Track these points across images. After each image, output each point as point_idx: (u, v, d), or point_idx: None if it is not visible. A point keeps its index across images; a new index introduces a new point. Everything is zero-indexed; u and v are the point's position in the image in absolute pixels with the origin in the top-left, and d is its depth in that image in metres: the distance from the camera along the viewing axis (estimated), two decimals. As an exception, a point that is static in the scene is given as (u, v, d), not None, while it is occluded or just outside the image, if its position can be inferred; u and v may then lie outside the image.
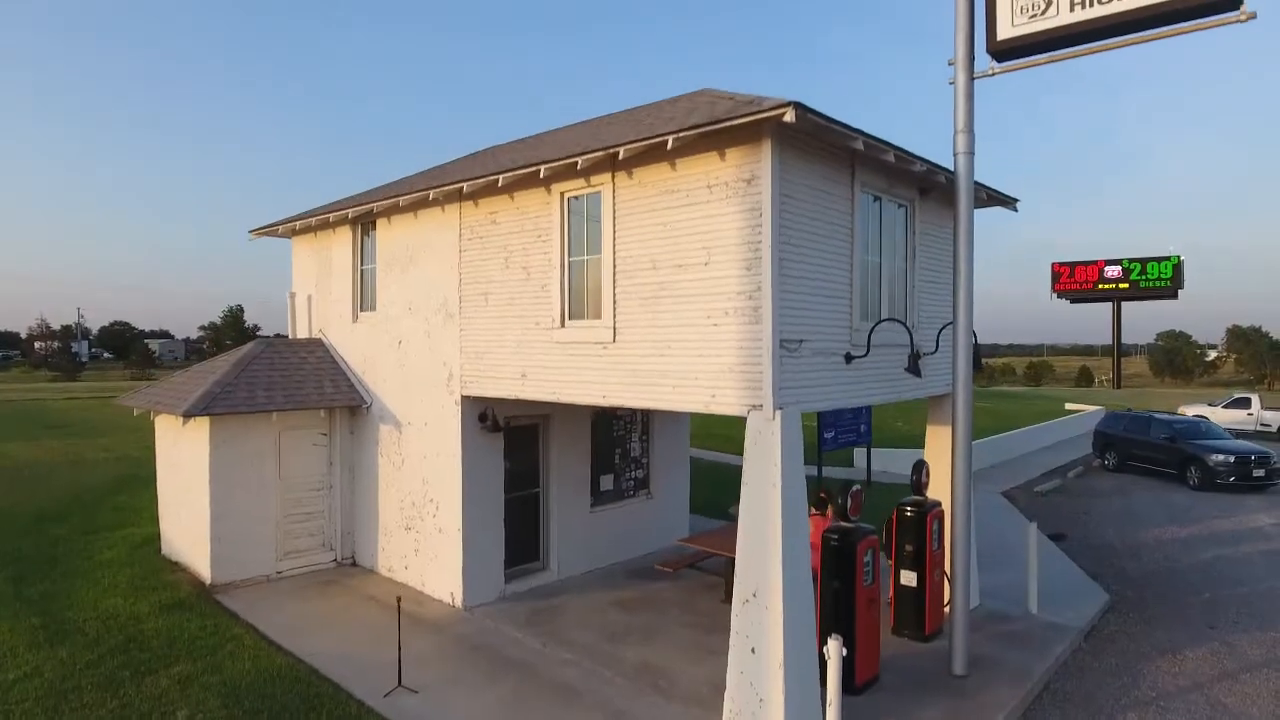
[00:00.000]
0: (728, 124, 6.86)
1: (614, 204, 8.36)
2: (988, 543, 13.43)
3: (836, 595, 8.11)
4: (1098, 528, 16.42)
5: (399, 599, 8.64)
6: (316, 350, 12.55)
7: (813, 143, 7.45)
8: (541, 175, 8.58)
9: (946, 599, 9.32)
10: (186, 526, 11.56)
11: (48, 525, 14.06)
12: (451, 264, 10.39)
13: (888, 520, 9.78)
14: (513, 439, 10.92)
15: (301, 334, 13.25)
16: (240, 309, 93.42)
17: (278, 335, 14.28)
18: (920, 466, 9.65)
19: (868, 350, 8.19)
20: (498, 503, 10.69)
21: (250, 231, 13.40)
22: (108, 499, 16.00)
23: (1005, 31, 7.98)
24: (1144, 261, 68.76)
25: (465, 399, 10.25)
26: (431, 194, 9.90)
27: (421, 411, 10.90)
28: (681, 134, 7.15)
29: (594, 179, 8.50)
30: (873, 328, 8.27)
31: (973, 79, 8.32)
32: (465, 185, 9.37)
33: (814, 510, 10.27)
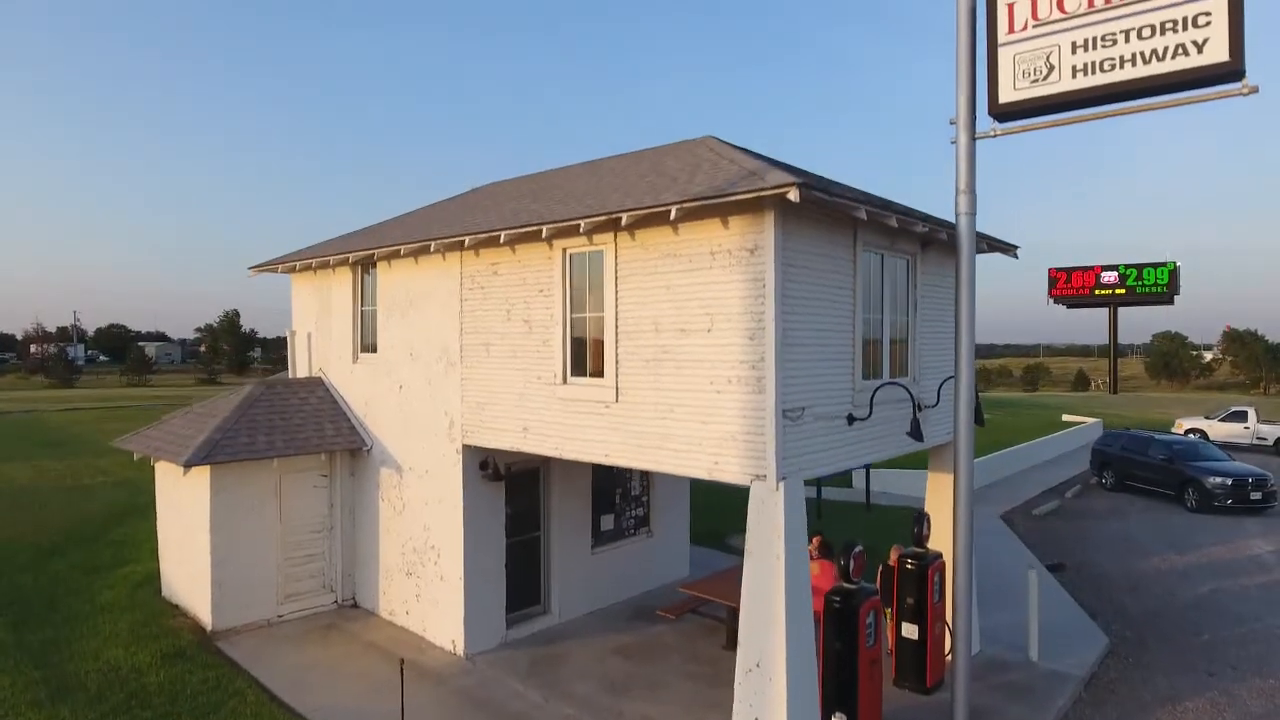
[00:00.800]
0: (731, 199, 6.87)
1: (616, 264, 8.36)
2: (987, 577, 13.46)
3: (839, 657, 8.11)
4: (1096, 555, 16.47)
5: (402, 661, 8.64)
6: (317, 390, 12.54)
7: (816, 211, 7.46)
8: (544, 234, 8.60)
9: (948, 649, 9.34)
10: (187, 571, 11.55)
11: (47, 561, 14.03)
12: (452, 312, 10.38)
13: (883, 566, 9.81)
14: (514, 483, 10.92)
15: (302, 372, 13.24)
16: (236, 314, 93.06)
17: (277, 368, 14.24)
18: (921, 519, 9.67)
19: (870, 412, 8.21)
20: (499, 549, 10.70)
21: (250, 268, 13.39)
22: (107, 531, 15.97)
23: (1007, 95, 7.99)
24: (1140, 267, 68.96)
25: (466, 448, 10.25)
26: (433, 245, 9.89)
27: (422, 458, 10.90)
28: (684, 204, 7.17)
29: (596, 238, 8.50)
30: (875, 390, 8.29)
31: (974, 139, 8.32)
32: (467, 239, 9.37)
33: (816, 553, 10.32)
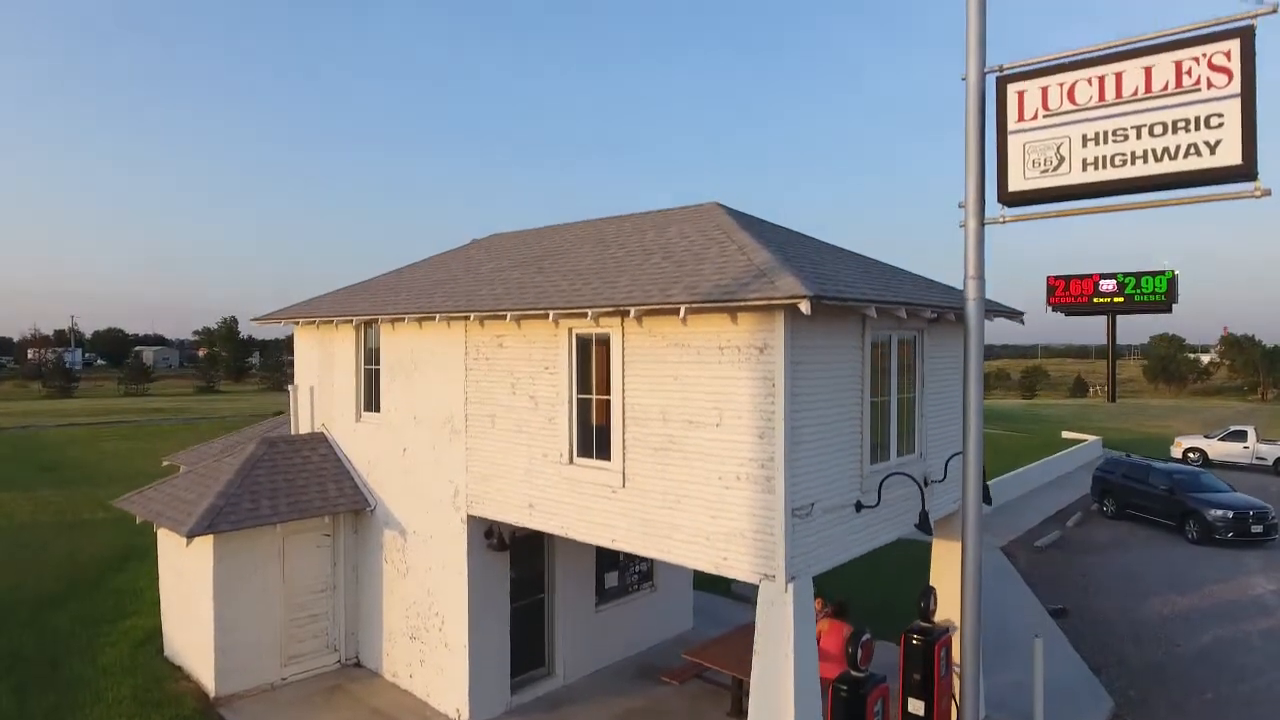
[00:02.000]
0: (741, 304, 6.83)
1: (623, 349, 8.32)
2: (990, 627, 13.43)
3: (847, 746, 8.09)
4: (1098, 598, 16.47)
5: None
6: (320, 448, 12.48)
7: (826, 308, 7.42)
8: (551, 316, 8.55)
9: (954, 723, 9.32)
10: (190, 635, 11.49)
11: (48, 613, 13.96)
12: (457, 380, 10.33)
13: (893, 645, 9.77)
14: (519, 547, 10.87)
15: (304, 427, 13.17)
16: (234, 320, 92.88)
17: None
18: (928, 594, 9.64)
19: (878, 501, 8.18)
20: (504, 615, 10.66)
21: (252, 320, 13.32)
22: (107, 578, 15.90)
23: (1017, 184, 7.95)
24: (1138, 275, 68.72)
25: (471, 518, 10.21)
26: (437, 317, 9.84)
27: (426, 523, 10.85)
28: (694, 304, 7.13)
29: (603, 321, 8.45)
30: (883, 481, 8.26)
31: (983, 225, 8.29)
32: (471, 314, 9.32)
33: (827, 613, 10.29)
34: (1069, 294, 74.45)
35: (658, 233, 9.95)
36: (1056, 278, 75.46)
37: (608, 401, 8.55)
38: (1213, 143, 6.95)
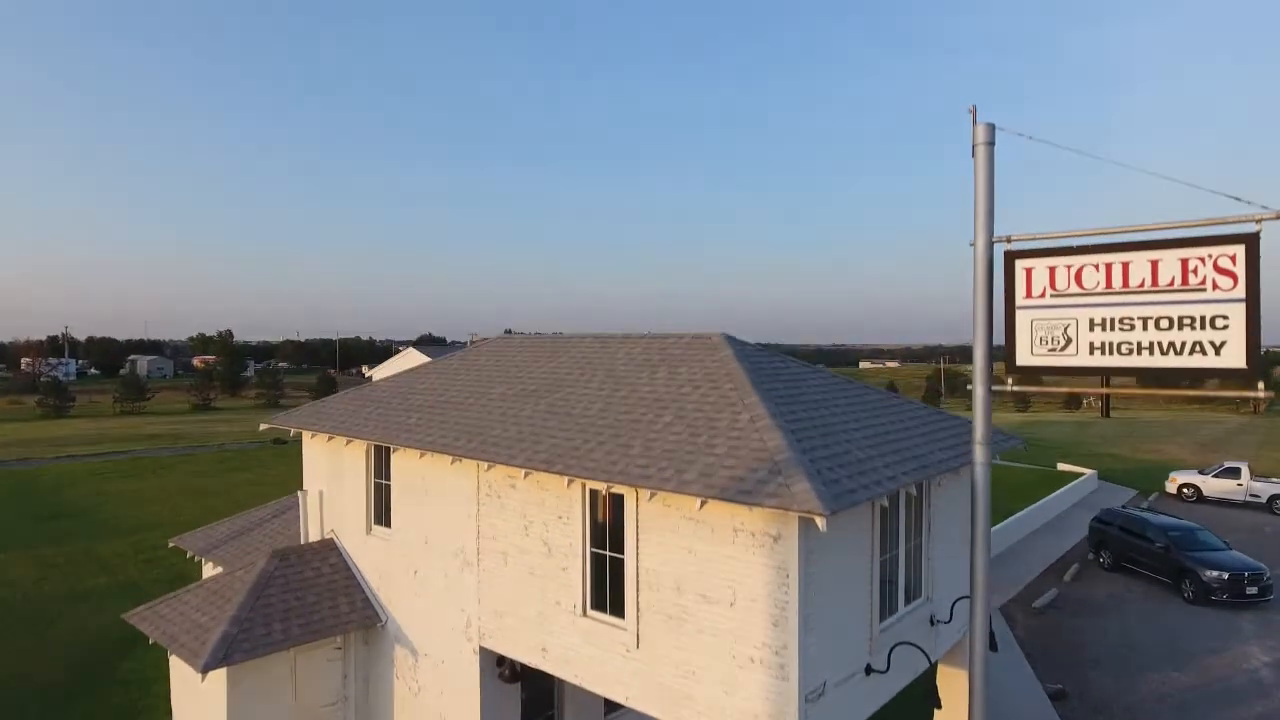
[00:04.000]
0: (757, 505, 6.96)
1: (638, 515, 8.44)
2: (993, 715, 13.63)
3: None
4: (1096, 673, 16.67)
5: None
6: (330, 558, 12.57)
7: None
8: (565, 479, 8.66)
9: None
10: (203, 753, 11.57)
11: (58, 712, 14.01)
12: (468, 513, 10.43)
13: None
14: (530, 671, 10.98)
15: (314, 532, 13.25)
16: (230, 334, 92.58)
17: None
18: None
19: (888, 667, 8.32)
20: (515, 740, 10.78)
21: (262, 425, 13.39)
22: (115, 665, 15.92)
23: (1024, 359, 8.09)
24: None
25: (484, 649, 10.31)
26: (451, 460, 9.93)
27: (439, 647, 10.96)
28: (710, 497, 7.25)
29: (617, 484, 8.56)
30: (892, 649, 8.40)
31: (990, 391, 8.44)
32: (483, 463, 9.42)
33: None
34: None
35: (668, 374, 10.06)
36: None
37: (621, 561, 8.66)
38: (1217, 344, 7.10)
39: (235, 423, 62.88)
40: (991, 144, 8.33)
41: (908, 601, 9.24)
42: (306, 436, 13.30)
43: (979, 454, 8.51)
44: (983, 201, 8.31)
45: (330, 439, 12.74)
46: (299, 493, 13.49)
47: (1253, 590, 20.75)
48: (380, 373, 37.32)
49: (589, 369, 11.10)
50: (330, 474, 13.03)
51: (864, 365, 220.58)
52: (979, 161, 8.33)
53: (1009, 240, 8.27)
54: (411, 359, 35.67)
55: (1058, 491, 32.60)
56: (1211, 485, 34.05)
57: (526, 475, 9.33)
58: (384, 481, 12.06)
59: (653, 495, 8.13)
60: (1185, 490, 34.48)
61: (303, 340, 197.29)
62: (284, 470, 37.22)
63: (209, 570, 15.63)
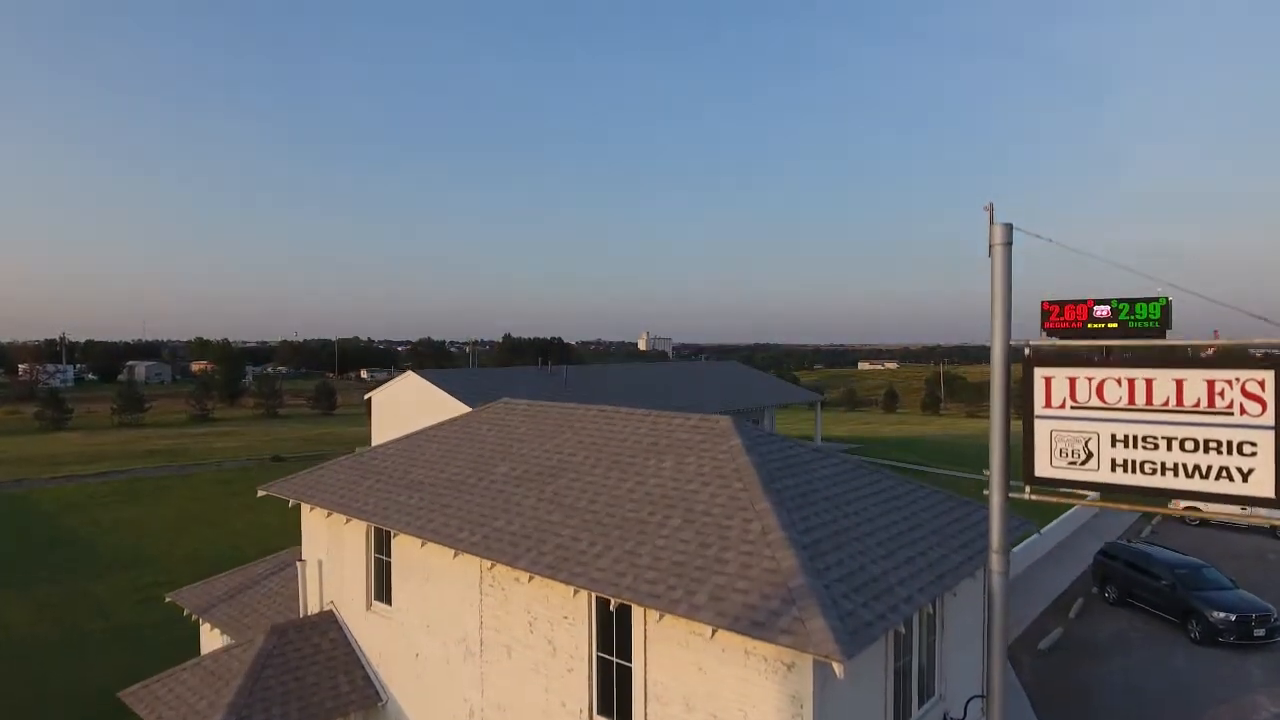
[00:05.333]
0: (772, 642, 6.74)
1: (645, 625, 8.22)
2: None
3: None
4: (1103, 723, 16.50)
5: None
6: (330, 632, 12.35)
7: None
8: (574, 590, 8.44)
9: None
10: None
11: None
12: (471, 603, 10.22)
13: None
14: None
15: (313, 602, 13.03)
16: (228, 342, 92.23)
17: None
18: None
19: (903, 785, 8.12)
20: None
21: (260, 491, 13.15)
22: (112, 724, 15.70)
23: (1044, 469, 7.88)
24: (1132, 302, 68.93)
25: (488, 742, 10.11)
26: (453, 553, 9.72)
27: (441, 734, 10.75)
28: (722, 627, 7.04)
29: (624, 598, 8.34)
30: (908, 767, 8.19)
31: (1007, 498, 8.23)
32: (487, 560, 9.20)
33: None
34: (1063, 319, 74.83)
35: (676, 463, 9.83)
36: (1051, 302, 76.13)
37: (629, 670, 8.45)
38: (1245, 470, 6.90)
39: (233, 435, 62.58)
40: (1009, 244, 8.15)
41: (921, 703, 9.04)
42: (305, 508, 13.07)
43: (995, 562, 8.31)
44: (1000, 303, 8.12)
45: (330, 514, 12.52)
46: (298, 563, 13.26)
47: (1260, 632, 20.57)
48: (379, 395, 37.04)
49: (593, 450, 10.87)
50: (330, 545, 12.81)
51: (863, 366, 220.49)
52: (996, 262, 8.14)
53: (1027, 346, 8.06)
54: (411, 383, 35.42)
55: (1060, 518, 32.42)
56: (1213, 507, 33.85)
57: (531, 579, 9.11)
58: (384, 558, 11.84)
59: (661, 617, 7.91)
60: (1188, 514, 34.27)
61: (301, 341, 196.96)
62: (282, 493, 36.93)
63: (206, 632, 15.42)
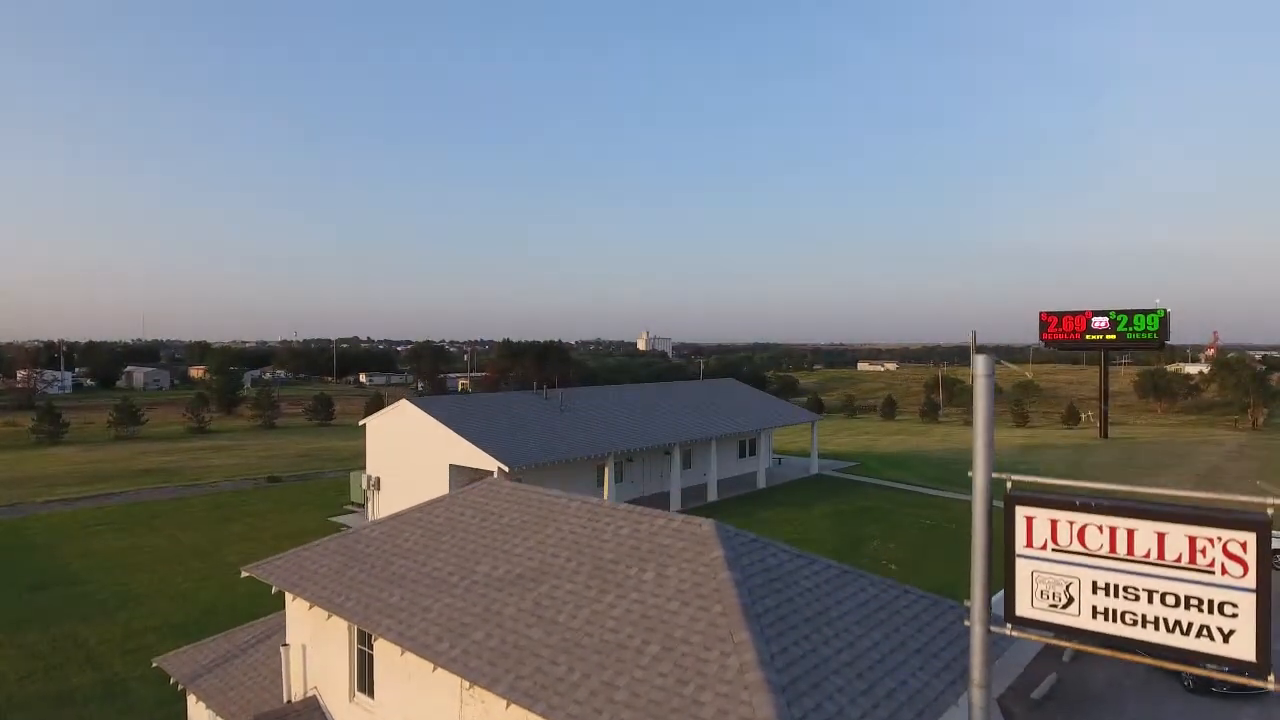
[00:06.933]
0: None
1: (623, 761, 8.12)
2: None
3: None
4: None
5: None
6: (312, 721, 12.27)
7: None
8: (548, 718, 8.35)
9: None
10: None
11: None
12: (453, 710, 10.12)
13: None
14: None
15: (296, 688, 12.95)
16: (226, 348, 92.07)
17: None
18: None
19: None
20: None
21: (244, 572, 13.06)
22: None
23: (1024, 610, 7.80)
24: (1130, 313, 69.38)
25: None
26: (435, 668, 9.63)
27: (423, 838, 10.66)
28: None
29: (602, 726, 8.26)
30: None
31: (989, 632, 8.14)
32: (466, 681, 9.11)
33: None
34: (1061, 330, 74.94)
35: (657, 574, 9.73)
36: (1049, 313, 76.14)
37: (608, 803, 8.35)
38: (1226, 631, 6.81)
39: (230, 451, 62.51)
40: (991, 376, 8.03)
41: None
42: (288, 596, 12.99)
43: (977, 697, 8.22)
44: (982, 433, 8.01)
45: (312, 607, 12.43)
46: (281, 647, 13.17)
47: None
48: (374, 422, 36.98)
49: (575, 552, 10.77)
50: (313, 631, 12.71)
51: (862, 366, 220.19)
52: (979, 393, 8.02)
53: (1009, 481, 7.96)
54: (404, 411, 35.40)
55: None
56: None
57: (509, 706, 9.02)
58: (367, 650, 11.74)
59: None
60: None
61: (299, 341, 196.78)
62: (277, 521, 36.88)
63: (192, 704, 15.36)
